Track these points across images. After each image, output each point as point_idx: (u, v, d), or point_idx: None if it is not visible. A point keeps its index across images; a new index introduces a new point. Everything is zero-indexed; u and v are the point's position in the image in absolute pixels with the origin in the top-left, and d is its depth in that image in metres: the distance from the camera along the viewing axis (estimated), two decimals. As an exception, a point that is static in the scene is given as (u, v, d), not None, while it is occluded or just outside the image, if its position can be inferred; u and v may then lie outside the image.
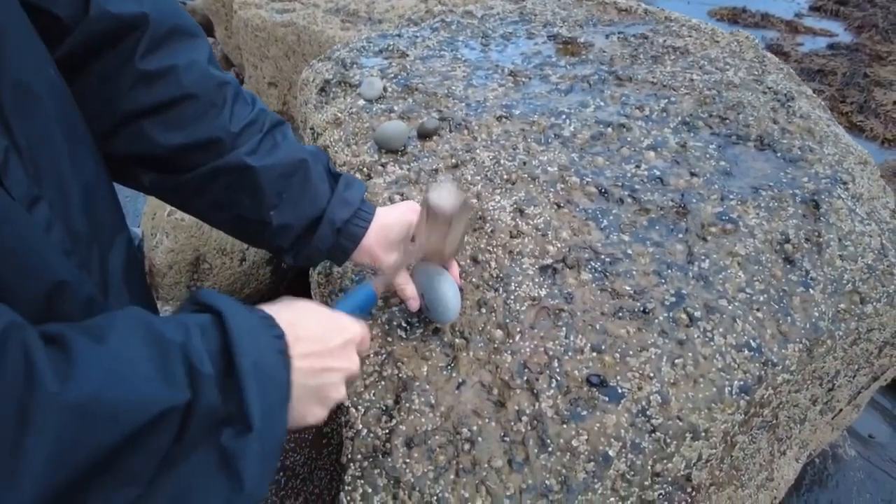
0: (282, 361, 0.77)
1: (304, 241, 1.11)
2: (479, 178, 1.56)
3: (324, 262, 1.48)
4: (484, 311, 1.31)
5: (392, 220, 1.17)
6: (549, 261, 1.39)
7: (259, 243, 1.12)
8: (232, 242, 2.97)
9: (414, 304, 1.22)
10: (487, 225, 1.43)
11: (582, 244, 1.41)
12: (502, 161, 1.65)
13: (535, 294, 1.33)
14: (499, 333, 1.27)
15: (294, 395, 0.78)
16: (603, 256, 1.41)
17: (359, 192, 1.15)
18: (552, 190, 1.56)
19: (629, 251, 1.42)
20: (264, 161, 1.01)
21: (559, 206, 1.52)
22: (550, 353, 1.22)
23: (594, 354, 1.22)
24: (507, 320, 1.29)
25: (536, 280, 1.35)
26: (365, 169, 1.61)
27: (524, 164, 1.61)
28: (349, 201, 1.13)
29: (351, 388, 1.19)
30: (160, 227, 2.96)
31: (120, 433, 0.61)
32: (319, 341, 0.85)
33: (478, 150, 1.67)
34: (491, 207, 1.48)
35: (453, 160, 1.63)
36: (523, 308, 1.31)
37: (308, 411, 0.85)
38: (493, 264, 1.38)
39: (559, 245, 1.42)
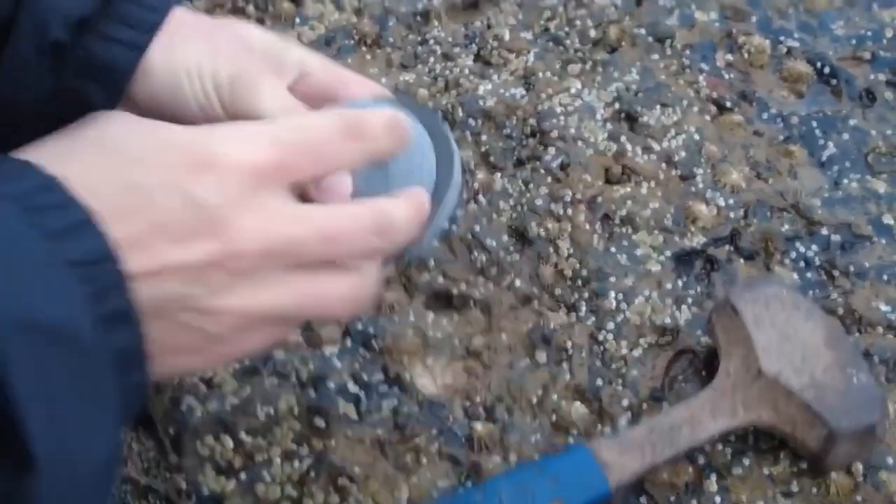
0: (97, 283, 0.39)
1: None
2: (528, 32, 0.87)
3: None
4: (546, 355, 0.69)
5: (196, 47, 0.56)
6: (697, 241, 0.74)
7: None
8: None
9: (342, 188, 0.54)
10: (551, 151, 0.78)
11: (772, 194, 0.77)
12: None
13: (664, 320, 0.70)
14: (578, 411, 0.66)
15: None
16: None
17: None
18: (701, 62, 0.85)
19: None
20: None
21: (720, 107, 0.81)
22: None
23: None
24: (603, 379, 0.67)
25: (666, 285, 0.72)
26: (252, 6, 0.91)
27: (636, 1, 0.91)
28: None
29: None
30: None
31: None
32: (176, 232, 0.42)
33: None
34: (559, 109, 0.80)
35: None
36: (635, 351, 0.69)
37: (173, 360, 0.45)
38: (564, 244, 0.73)
39: (722, 201, 0.76)
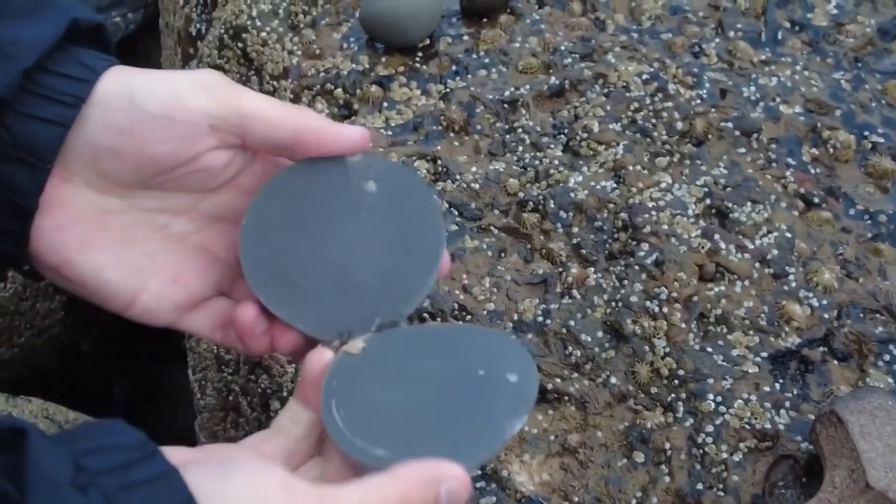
0: None
1: None
2: (616, 124, 0.87)
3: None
4: (644, 456, 0.68)
5: (160, 109, 0.51)
6: (791, 342, 0.73)
7: None
8: None
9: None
10: (644, 247, 0.78)
11: (864, 295, 0.77)
12: (671, 80, 0.89)
13: (764, 424, 0.69)
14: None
15: None
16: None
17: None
18: (787, 156, 0.85)
19: None
20: None
21: (808, 203, 0.82)
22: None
23: None
24: (704, 484, 0.66)
25: (764, 388, 0.71)
26: (340, 90, 0.92)
27: (720, 93, 0.89)
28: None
29: None
30: None
31: None
32: None
33: (613, 50, 0.93)
34: (650, 204, 0.81)
35: (549, 77, 0.90)
36: (735, 455, 0.68)
37: None
38: (660, 343, 0.73)
39: (815, 301, 0.76)
